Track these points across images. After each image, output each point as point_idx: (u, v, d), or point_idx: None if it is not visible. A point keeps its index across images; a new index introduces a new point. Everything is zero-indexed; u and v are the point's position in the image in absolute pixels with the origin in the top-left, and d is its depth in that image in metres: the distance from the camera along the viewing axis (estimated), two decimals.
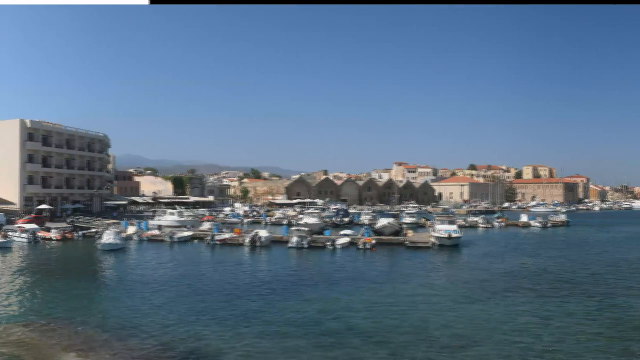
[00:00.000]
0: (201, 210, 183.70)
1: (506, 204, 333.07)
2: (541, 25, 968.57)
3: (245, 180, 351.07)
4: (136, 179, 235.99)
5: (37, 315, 44.09)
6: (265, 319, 43.05)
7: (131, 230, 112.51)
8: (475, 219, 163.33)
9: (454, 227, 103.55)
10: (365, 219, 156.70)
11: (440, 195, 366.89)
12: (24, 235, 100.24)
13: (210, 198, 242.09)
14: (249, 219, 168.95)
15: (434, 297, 52.37)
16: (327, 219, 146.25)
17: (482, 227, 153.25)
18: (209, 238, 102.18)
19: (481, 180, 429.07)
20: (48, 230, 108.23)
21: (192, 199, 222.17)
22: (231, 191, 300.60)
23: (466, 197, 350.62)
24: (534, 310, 45.74)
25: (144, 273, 67.75)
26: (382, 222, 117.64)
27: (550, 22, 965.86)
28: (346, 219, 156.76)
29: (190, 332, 38.76)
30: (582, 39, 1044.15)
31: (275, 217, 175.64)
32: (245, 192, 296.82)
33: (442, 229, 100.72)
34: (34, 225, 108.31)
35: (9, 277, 63.72)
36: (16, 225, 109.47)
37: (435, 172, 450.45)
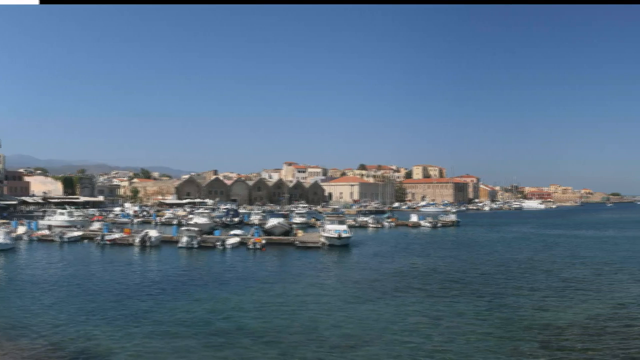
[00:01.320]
0: (91, 210, 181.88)
1: (396, 204, 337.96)
2: (429, 25, 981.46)
3: (135, 180, 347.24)
4: (26, 179, 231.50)
5: None
6: (156, 318, 42.79)
7: (21, 230, 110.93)
8: (365, 219, 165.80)
9: (344, 227, 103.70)
10: (255, 219, 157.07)
11: (330, 195, 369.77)
12: None
13: (100, 198, 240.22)
14: (139, 219, 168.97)
15: (324, 297, 52.62)
16: (217, 219, 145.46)
17: (372, 227, 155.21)
18: (99, 238, 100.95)
19: (371, 180, 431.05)
20: None
21: (82, 199, 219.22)
22: (121, 191, 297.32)
23: (356, 197, 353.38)
24: (424, 310, 46.02)
25: (34, 273, 66.69)
26: (272, 222, 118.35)
27: (438, 21, 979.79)
28: (236, 219, 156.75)
29: (81, 332, 38.27)
30: (470, 38, 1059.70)
31: (165, 217, 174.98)
32: (135, 192, 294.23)
33: (332, 229, 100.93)
34: None
35: None
36: None
37: (325, 172, 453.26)
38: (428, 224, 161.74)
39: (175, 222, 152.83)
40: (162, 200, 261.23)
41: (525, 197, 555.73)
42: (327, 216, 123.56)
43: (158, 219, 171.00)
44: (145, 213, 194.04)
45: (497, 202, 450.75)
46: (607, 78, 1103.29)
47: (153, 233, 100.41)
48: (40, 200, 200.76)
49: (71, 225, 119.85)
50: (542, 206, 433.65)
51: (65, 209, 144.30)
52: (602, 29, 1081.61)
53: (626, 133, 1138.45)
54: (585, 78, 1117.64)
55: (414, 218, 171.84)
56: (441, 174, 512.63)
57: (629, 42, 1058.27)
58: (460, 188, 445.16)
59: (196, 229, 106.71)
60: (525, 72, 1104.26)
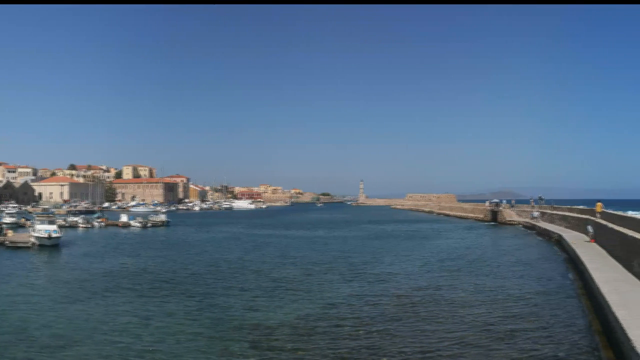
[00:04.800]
0: None
1: (107, 204, 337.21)
2: (138, 25, 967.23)
3: None
4: None
5: None
6: None
7: None
8: (76, 219, 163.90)
9: (54, 227, 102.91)
10: None
11: (40, 195, 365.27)
12: None
13: None
14: None
15: (34, 297, 51.56)
16: None
17: (82, 227, 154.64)
18: None
19: (81, 180, 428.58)
20: None
21: None
22: None
23: (66, 197, 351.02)
24: (134, 310, 45.67)
25: None
26: None
27: (147, 21, 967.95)
28: None
29: None
30: (178, 38, 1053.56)
31: None
32: None
33: (42, 229, 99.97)
34: None
35: None
36: None
37: (35, 172, 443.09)
38: (138, 224, 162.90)
39: None
40: None
41: (235, 197, 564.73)
42: (38, 216, 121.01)
43: None
44: None
45: (208, 202, 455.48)
46: (310, 78, 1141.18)
47: None
48: None
49: None
50: (253, 206, 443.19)
51: None
52: (309, 29, 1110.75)
53: (334, 133, 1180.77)
54: (289, 79, 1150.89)
55: (124, 218, 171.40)
56: (151, 174, 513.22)
57: (336, 42, 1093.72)
58: (170, 188, 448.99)
59: None
60: (235, 73, 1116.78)
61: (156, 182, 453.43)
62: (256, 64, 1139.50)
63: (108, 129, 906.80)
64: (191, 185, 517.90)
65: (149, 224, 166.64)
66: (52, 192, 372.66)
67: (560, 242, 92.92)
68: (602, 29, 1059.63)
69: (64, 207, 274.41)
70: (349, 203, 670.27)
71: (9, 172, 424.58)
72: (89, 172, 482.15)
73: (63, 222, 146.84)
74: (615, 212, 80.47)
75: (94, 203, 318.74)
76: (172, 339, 37.06)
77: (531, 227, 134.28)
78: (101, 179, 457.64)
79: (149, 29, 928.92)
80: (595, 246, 72.74)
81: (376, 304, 48.37)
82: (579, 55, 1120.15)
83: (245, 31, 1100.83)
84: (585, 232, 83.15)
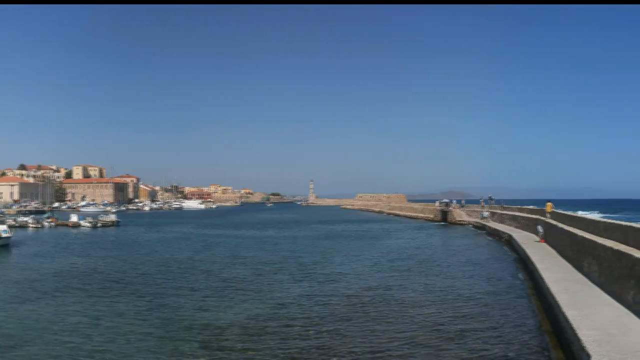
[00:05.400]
0: None
1: (57, 204, 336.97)
2: (85, 25, 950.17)
3: None
4: None
5: None
6: None
7: None
8: (26, 219, 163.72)
9: (4, 227, 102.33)
10: None
11: None
12: None
13: None
14: None
15: None
16: None
17: (32, 227, 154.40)
18: None
19: (31, 180, 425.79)
20: None
21: None
22: None
23: (16, 197, 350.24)
24: (84, 311, 45.20)
25: None
26: None
27: (93, 20, 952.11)
28: None
29: None
30: (127, 38, 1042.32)
31: None
32: None
33: None
34: None
35: None
36: None
37: None
38: (88, 224, 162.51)
39: None
40: None
41: (185, 197, 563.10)
42: None
43: None
44: None
45: (158, 202, 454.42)
46: (259, 78, 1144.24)
47: None
48: None
49: None
50: (203, 206, 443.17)
51: None
52: (258, 28, 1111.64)
53: (283, 133, 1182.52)
54: (238, 79, 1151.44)
55: (74, 218, 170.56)
56: (101, 174, 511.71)
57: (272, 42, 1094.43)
58: (120, 188, 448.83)
59: None
60: (183, 73, 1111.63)
61: (106, 182, 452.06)
62: (205, 64, 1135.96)
63: (58, 129, 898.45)
64: (141, 185, 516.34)
65: (99, 224, 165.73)
66: (2, 192, 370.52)
67: (510, 242, 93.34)
68: (545, 29, 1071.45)
69: (14, 207, 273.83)
70: (299, 203, 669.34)
71: None
72: (39, 172, 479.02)
73: (13, 222, 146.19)
74: (565, 212, 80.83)
75: (44, 203, 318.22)
76: (122, 339, 36.68)
77: (481, 227, 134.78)
78: (51, 179, 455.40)
79: (97, 28, 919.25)
80: (545, 246, 73.15)
81: (326, 304, 48.21)
82: (524, 56, 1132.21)
83: (194, 31, 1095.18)
84: (536, 232, 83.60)
